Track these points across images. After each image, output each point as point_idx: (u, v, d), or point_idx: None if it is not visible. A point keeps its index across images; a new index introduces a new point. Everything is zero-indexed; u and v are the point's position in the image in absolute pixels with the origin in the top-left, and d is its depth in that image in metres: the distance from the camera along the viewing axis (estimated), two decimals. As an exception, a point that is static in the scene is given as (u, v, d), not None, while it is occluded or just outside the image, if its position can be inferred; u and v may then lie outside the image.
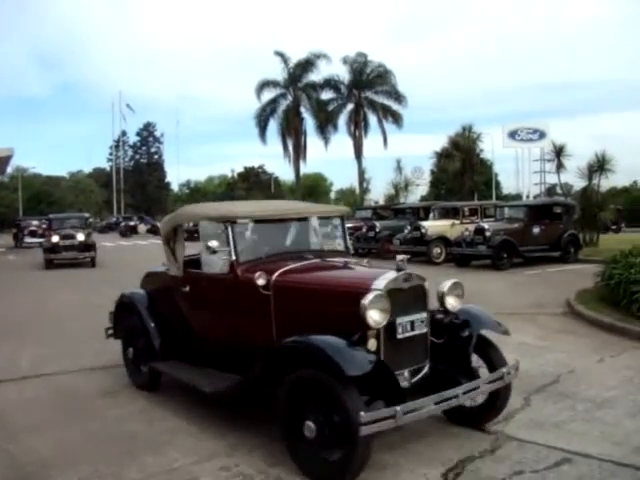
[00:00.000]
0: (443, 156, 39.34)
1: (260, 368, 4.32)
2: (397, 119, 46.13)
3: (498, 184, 56.54)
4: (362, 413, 3.53)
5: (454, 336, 4.56)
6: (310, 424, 3.86)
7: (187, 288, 5.50)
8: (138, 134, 79.16)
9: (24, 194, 63.09)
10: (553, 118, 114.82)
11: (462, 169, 37.55)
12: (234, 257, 4.91)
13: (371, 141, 49.85)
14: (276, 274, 4.67)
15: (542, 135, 37.66)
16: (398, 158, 41.58)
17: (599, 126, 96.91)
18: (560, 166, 24.86)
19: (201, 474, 4.08)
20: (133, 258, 21.82)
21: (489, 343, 4.68)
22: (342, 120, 47.20)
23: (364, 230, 21.85)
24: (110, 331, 6.60)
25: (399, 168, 40.90)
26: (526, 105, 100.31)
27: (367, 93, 46.51)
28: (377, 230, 21.52)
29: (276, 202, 7.38)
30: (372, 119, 46.84)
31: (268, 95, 46.45)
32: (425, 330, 4.37)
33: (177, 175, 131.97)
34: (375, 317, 3.94)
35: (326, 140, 47.00)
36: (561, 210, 18.82)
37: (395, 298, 4.07)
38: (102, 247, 25.20)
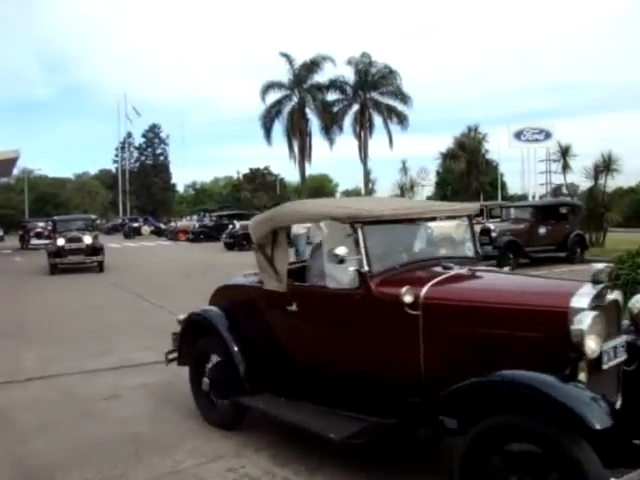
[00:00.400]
0: (448, 157, 39.21)
1: (418, 410, 3.50)
2: (402, 120, 46.17)
3: (504, 185, 56.46)
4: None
5: None
6: None
7: (294, 306, 4.40)
8: (144, 136, 79.36)
9: (30, 196, 63.33)
10: (559, 118, 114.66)
11: (468, 170, 37.44)
12: (366, 267, 3.92)
13: (376, 142, 49.91)
14: (425, 288, 3.72)
15: (548, 135, 37.52)
16: (403, 159, 41.49)
17: (605, 126, 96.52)
18: (566, 166, 24.83)
19: (207, 475, 4.06)
20: (143, 261, 21.73)
21: None
22: (347, 121, 47.34)
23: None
24: (171, 355, 5.51)
25: (404, 169, 40.81)
26: (532, 105, 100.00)
27: (372, 94, 46.54)
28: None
29: (396, 199, 6.12)
30: (377, 120, 46.95)
31: (273, 97, 46.57)
32: (624, 357, 3.52)
33: (183, 176, 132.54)
34: (592, 345, 3.08)
35: (331, 141, 47.12)
36: (567, 210, 18.79)
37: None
38: (108, 249, 25.16)
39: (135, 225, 49.37)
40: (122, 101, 71.15)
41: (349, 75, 46.40)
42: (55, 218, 24.82)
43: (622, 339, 3.49)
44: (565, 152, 24.64)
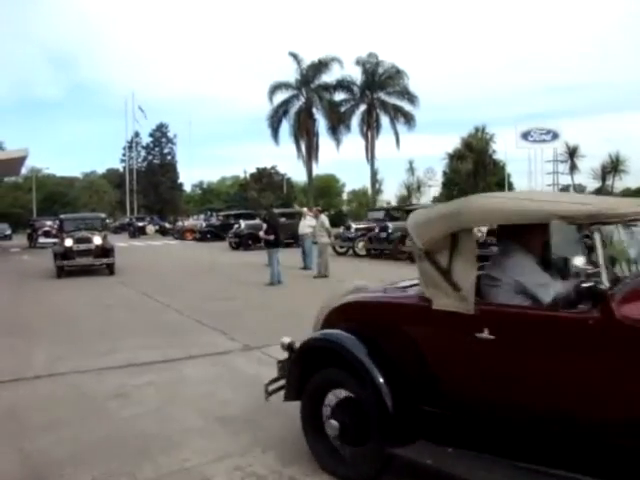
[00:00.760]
0: (455, 157, 39.23)
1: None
2: (409, 120, 46.21)
3: (511, 185, 56.05)
4: None
5: None
6: None
7: (485, 333, 3.35)
8: (151, 135, 79.48)
9: (38, 195, 63.66)
10: (566, 119, 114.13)
11: (475, 170, 37.49)
12: (606, 282, 2.98)
13: (383, 142, 50.07)
14: None
15: (555, 136, 37.51)
16: (410, 159, 41.60)
17: (609, 127, 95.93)
18: (573, 167, 24.85)
19: (214, 474, 4.07)
20: (149, 259, 21.65)
21: None
22: (354, 121, 47.42)
23: (377, 231, 21.92)
24: (273, 386, 4.50)
25: (411, 169, 40.90)
26: (539, 106, 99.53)
27: (379, 94, 46.58)
28: (390, 231, 21.48)
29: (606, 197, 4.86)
30: (384, 120, 46.97)
31: (281, 97, 46.71)
32: None
33: (190, 176, 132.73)
34: None
35: (338, 141, 47.23)
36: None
37: None
38: (116, 248, 25.20)
39: (140, 224, 49.53)
40: (130, 100, 71.51)
41: (356, 75, 46.55)
42: (62, 216, 22.53)
43: None
44: (573, 153, 24.63)
